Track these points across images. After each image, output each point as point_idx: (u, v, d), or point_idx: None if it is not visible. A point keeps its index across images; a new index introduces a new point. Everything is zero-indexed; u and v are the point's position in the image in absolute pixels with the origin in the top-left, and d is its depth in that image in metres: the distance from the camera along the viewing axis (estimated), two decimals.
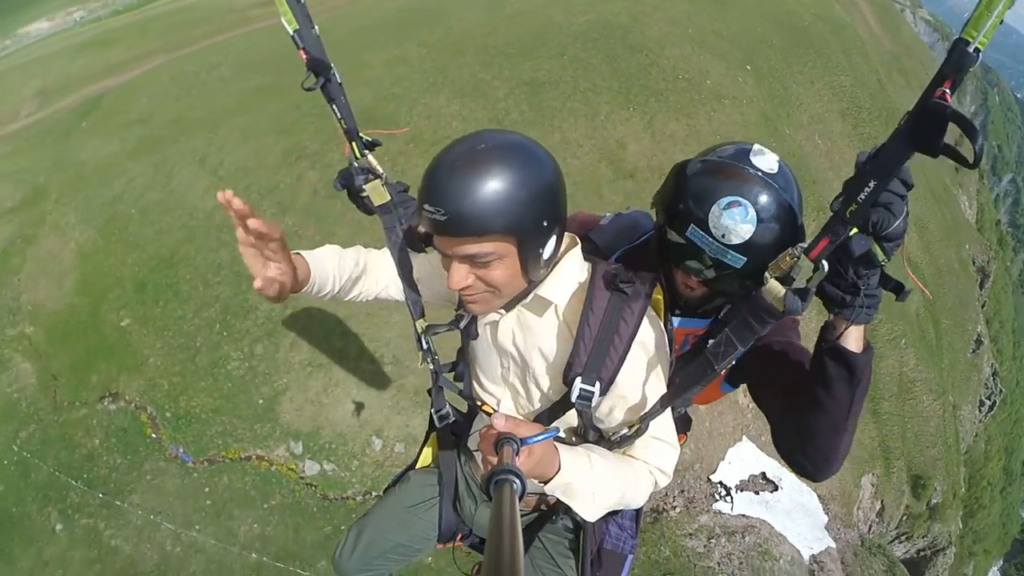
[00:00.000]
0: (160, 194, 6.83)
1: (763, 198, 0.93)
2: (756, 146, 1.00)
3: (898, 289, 0.83)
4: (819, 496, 6.56)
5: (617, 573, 1.25)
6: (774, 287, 0.75)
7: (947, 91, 0.59)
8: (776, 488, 6.22)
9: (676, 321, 1.16)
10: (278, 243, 0.82)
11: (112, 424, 5.59)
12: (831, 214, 0.73)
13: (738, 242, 0.93)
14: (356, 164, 1.09)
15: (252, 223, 0.76)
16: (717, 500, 5.91)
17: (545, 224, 0.83)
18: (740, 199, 0.93)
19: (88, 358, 6.73)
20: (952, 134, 0.62)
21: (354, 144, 1.08)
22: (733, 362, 0.86)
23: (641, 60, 8.73)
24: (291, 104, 7.22)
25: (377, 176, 1.08)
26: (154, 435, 5.18)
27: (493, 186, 0.77)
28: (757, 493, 6.14)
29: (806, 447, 0.98)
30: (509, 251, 0.83)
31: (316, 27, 1.01)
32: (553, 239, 0.87)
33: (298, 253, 1.00)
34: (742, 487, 6.09)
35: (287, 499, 4.67)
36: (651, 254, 1.15)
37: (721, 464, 6.08)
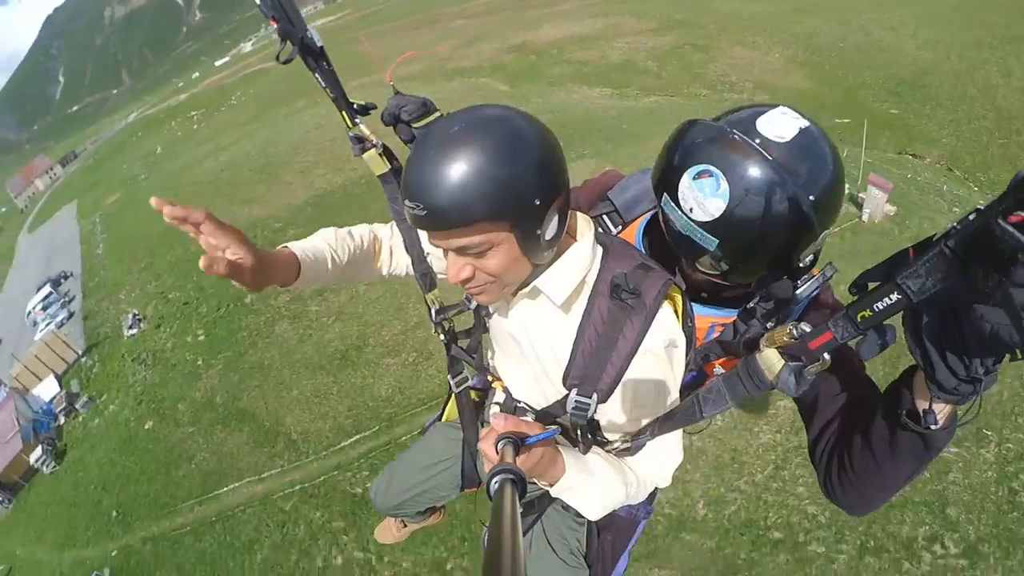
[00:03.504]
0: None
1: (746, 171, 0.77)
2: (780, 108, 0.81)
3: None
4: None
5: (628, 538, 1.26)
6: (770, 357, 0.67)
7: None
8: None
9: (702, 309, 1.00)
10: (209, 224, 0.78)
11: None
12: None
13: (705, 219, 0.80)
14: (350, 134, 1.05)
15: (167, 211, 0.74)
16: None
17: (538, 203, 0.74)
18: (713, 168, 0.78)
19: None
20: None
21: (344, 114, 1.03)
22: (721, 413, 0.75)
23: None
24: None
25: (373, 145, 1.06)
26: None
27: (470, 171, 0.71)
28: None
29: (849, 490, 0.84)
30: (504, 237, 0.76)
31: None
32: (555, 218, 0.79)
33: (285, 246, 0.98)
34: None
35: None
36: None
37: None
